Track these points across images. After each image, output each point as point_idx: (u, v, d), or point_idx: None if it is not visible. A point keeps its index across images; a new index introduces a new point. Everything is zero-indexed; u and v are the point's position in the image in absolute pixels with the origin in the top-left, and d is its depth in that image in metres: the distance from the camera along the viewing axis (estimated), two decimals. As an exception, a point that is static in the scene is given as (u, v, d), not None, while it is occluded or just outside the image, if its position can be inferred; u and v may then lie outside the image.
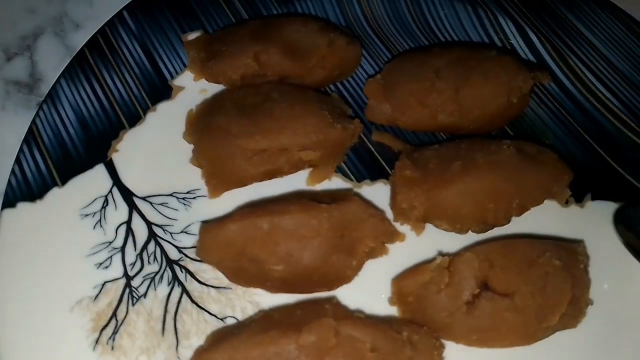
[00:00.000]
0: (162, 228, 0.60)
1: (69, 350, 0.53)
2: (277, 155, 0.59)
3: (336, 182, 0.63)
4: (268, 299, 0.56)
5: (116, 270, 0.57)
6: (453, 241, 0.59)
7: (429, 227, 0.60)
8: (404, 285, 0.54)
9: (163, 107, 0.65)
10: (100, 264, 0.57)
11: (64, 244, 0.57)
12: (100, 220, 0.59)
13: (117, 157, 0.62)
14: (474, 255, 0.53)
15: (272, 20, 0.66)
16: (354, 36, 0.68)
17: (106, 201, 0.60)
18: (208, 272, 0.58)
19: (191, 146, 0.62)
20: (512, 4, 0.70)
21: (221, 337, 0.52)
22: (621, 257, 0.58)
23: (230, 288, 0.57)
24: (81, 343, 0.53)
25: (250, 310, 0.56)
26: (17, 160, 0.60)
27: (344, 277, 0.56)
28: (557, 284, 0.53)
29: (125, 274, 0.57)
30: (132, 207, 0.60)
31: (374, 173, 0.63)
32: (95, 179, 0.61)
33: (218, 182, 0.60)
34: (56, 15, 0.77)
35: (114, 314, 0.55)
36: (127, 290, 0.56)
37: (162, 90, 0.66)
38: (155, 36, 0.68)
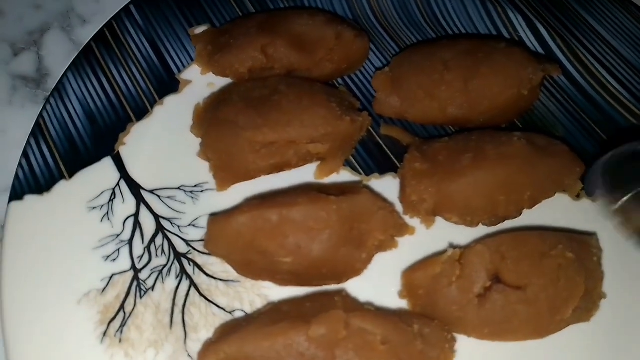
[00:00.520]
0: (169, 221, 0.59)
1: (76, 342, 0.53)
2: (285, 148, 0.58)
3: (344, 176, 0.62)
4: (277, 292, 0.56)
5: (124, 263, 0.57)
6: (463, 234, 0.58)
7: (439, 220, 0.59)
8: (415, 277, 0.53)
9: (170, 100, 0.65)
10: (108, 256, 0.57)
11: (72, 237, 0.57)
12: (107, 213, 0.58)
13: (124, 151, 0.62)
14: (486, 248, 0.53)
15: (279, 13, 0.66)
16: (362, 29, 0.67)
17: (114, 194, 0.59)
18: (216, 265, 0.57)
19: (199, 140, 0.62)
20: (521, -4, 0.70)
21: (230, 330, 0.51)
22: (634, 251, 0.57)
23: (239, 281, 0.57)
24: (89, 335, 0.53)
25: (259, 304, 0.56)
26: (25, 153, 0.60)
27: (354, 270, 0.55)
28: (570, 276, 0.52)
29: (133, 266, 0.56)
30: (140, 200, 0.60)
31: (383, 167, 0.63)
32: (103, 172, 0.60)
33: (226, 176, 0.60)
34: (63, 11, 0.77)
35: (122, 307, 0.55)
36: (135, 283, 0.56)
37: (169, 84, 0.65)
38: (162, 30, 0.68)
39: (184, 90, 0.65)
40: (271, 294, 0.56)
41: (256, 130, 0.57)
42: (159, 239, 0.58)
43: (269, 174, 0.61)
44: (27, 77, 0.73)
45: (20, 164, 0.60)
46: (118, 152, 0.61)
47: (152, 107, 0.64)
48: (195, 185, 0.61)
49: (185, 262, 0.58)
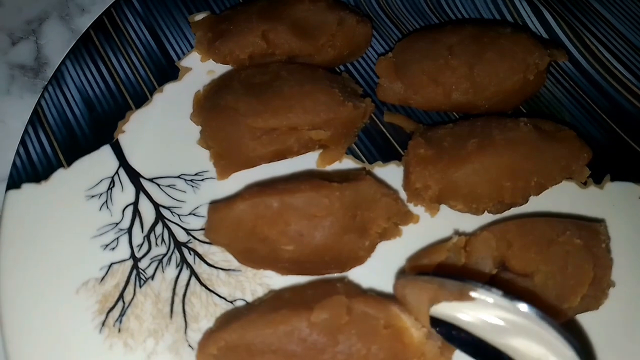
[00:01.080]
0: (169, 210, 0.58)
1: (74, 332, 0.52)
2: (287, 134, 0.57)
3: (347, 164, 0.61)
4: (279, 281, 0.55)
5: (123, 251, 0.56)
6: (469, 223, 0.57)
7: (443, 208, 0.58)
8: (419, 264, 0.52)
9: (170, 88, 0.64)
10: (107, 245, 0.56)
11: (70, 225, 0.56)
12: (106, 201, 0.58)
13: (123, 138, 0.61)
14: (492, 234, 0.52)
15: (280, -1, 0.65)
16: (364, 15, 0.66)
17: (112, 182, 0.59)
18: (217, 254, 0.56)
19: (199, 127, 0.61)
20: (526, -19, 0.69)
21: (231, 319, 0.50)
22: (642, 239, 0.57)
23: (240, 270, 0.56)
24: (87, 325, 0.52)
25: (261, 293, 0.55)
26: (22, 142, 0.59)
27: (357, 258, 0.54)
28: (578, 263, 0.51)
29: (133, 255, 0.56)
30: (139, 188, 0.59)
31: (386, 155, 0.62)
32: (102, 160, 0.59)
33: (226, 163, 0.59)
34: (62, 0, 0.76)
35: (121, 296, 0.54)
36: (134, 272, 0.55)
37: (169, 72, 0.65)
38: (161, 17, 0.67)
39: (183, 77, 0.64)
40: (273, 283, 0.55)
41: (257, 117, 0.56)
42: (158, 228, 0.57)
43: (270, 161, 0.60)
44: (25, 67, 0.72)
45: (17, 152, 0.59)
46: (117, 140, 0.61)
47: (151, 94, 0.63)
48: (196, 174, 0.60)
49: (185, 251, 0.57)
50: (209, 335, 0.49)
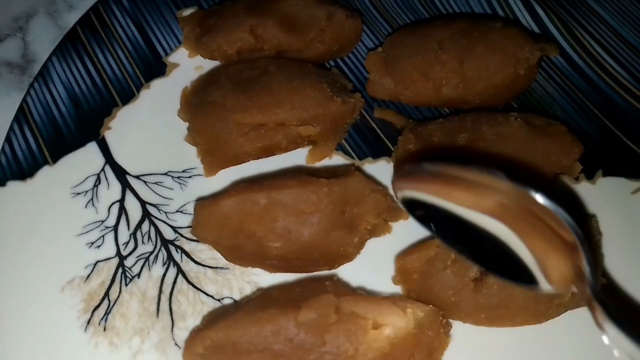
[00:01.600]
0: (156, 207, 0.57)
1: (59, 331, 0.51)
2: (275, 130, 0.57)
3: (337, 160, 0.61)
4: (267, 279, 0.54)
5: (109, 249, 0.55)
6: (459, 219, 0.57)
7: (433, 204, 0.57)
8: (408, 261, 0.52)
9: (157, 84, 0.63)
10: (92, 243, 0.55)
11: (55, 223, 0.55)
12: (92, 198, 0.57)
13: (109, 135, 0.60)
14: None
15: (269, -7, 0.64)
16: (354, 9, 0.65)
17: (98, 179, 0.58)
18: (204, 252, 0.56)
19: (186, 124, 0.60)
20: (517, -25, 0.68)
21: (217, 317, 0.50)
22: (634, 235, 0.56)
23: (228, 268, 0.55)
24: (72, 324, 0.51)
25: (249, 291, 0.54)
26: (7, 139, 0.59)
27: (346, 255, 0.54)
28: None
29: (118, 253, 0.55)
30: (126, 185, 0.58)
31: (376, 151, 0.61)
32: (88, 157, 0.59)
33: (214, 160, 0.58)
34: (49, -4, 0.75)
35: (107, 294, 0.53)
36: (120, 270, 0.54)
37: (156, 67, 0.64)
38: (149, 12, 0.67)
39: (171, 73, 0.64)
40: (261, 281, 0.54)
41: (244, 112, 0.55)
42: (145, 226, 0.57)
43: (258, 158, 0.59)
44: (12, 64, 0.71)
45: (2, 150, 0.58)
46: (103, 137, 0.60)
47: (138, 90, 0.62)
48: (183, 171, 0.59)
49: (172, 249, 0.56)
50: (196, 334, 0.49)
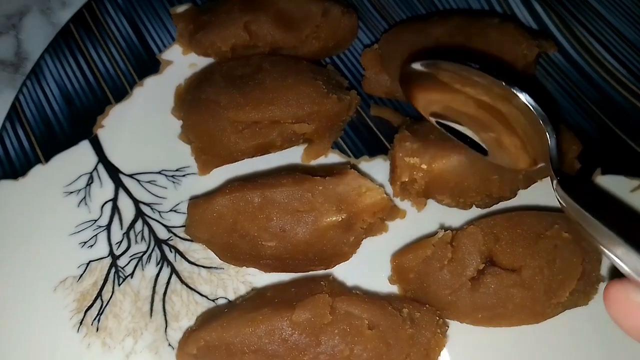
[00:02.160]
0: (150, 206, 0.57)
1: (51, 331, 0.51)
2: (269, 127, 0.56)
3: (333, 159, 0.60)
4: (262, 279, 0.54)
5: (101, 249, 0.54)
6: (456, 217, 0.56)
7: (430, 203, 0.57)
8: (405, 260, 0.51)
9: (151, 81, 0.62)
10: (85, 242, 0.54)
11: (47, 222, 0.55)
12: (85, 197, 0.56)
13: (102, 133, 0.59)
14: (478, 229, 0.50)
15: (264, -10, 0.63)
16: (349, 6, 0.65)
17: (91, 178, 0.57)
18: (199, 252, 0.55)
19: (180, 122, 0.59)
20: (515, -29, 0.67)
21: (211, 317, 0.49)
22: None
23: (222, 268, 0.54)
24: (65, 324, 0.51)
25: (243, 291, 0.53)
26: (-1, 137, 0.58)
27: (341, 254, 0.53)
28: (566, 257, 0.50)
29: (111, 253, 0.54)
30: (119, 184, 0.57)
31: (373, 149, 0.60)
32: (80, 156, 0.58)
33: (208, 158, 0.58)
34: (42, -7, 0.74)
35: (99, 294, 0.52)
36: (113, 270, 0.53)
37: (149, 65, 0.63)
38: (142, 9, 0.66)
39: (164, 71, 0.63)
40: (256, 281, 0.54)
41: (238, 110, 0.55)
42: (138, 225, 0.56)
43: (253, 156, 0.58)
44: (5, 61, 0.70)
45: (-6, 148, 0.58)
46: (96, 135, 0.59)
47: (131, 88, 0.62)
48: (177, 169, 0.59)
49: (166, 248, 0.55)
50: (189, 335, 0.48)
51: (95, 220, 0.55)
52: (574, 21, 0.66)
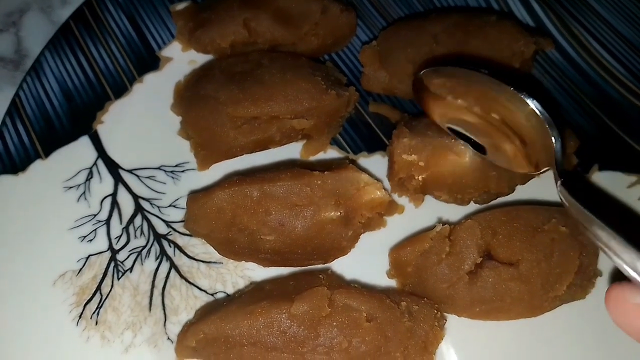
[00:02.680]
0: (149, 202, 0.57)
1: (51, 325, 0.51)
2: (268, 123, 0.56)
3: (332, 155, 0.60)
4: (260, 273, 0.54)
5: (101, 243, 0.55)
6: (454, 213, 0.57)
7: (428, 199, 0.57)
8: (402, 254, 0.51)
9: (150, 78, 0.63)
10: (85, 237, 0.55)
11: (47, 217, 0.55)
12: (84, 192, 0.57)
13: (102, 129, 0.60)
14: (476, 223, 0.51)
15: (263, -14, 0.63)
16: (348, 3, 0.65)
17: (91, 173, 0.57)
18: (198, 246, 0.55)
19: (179, 118, 0.60)
20: (512, -31, 0.68)
21: (210, 310, 0.49)
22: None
23: (221, 263, 0.55)
24: (64, 318, 0.51)
25: (242, 285, 0.54)
26: (0, 133, 0.58)
27: (340, 249, 0.53)
28: (564, 251, 0.50)
29: (111, 247, 0.54)
30: (118, 179, 0.58)
31: (371, 145, 0.61)
32: (80, 151, 0.58)
33: (207, 154, 0.58)
34: (42, -9, 0.75)
35: (99, 288, 0.53)
36: (112, 264, 0.54)
37: (149, 61, 0.64)
38: (142, 6, 0.66)
39: (164, 67, 0.63)
40: (255, 275, 0.54)
41: (237, 105, 0.55)
42: (138, 220, 0.56)
43: (252, 151, 0.59)
44: (5, 59, 0.70)
45: (-6, 143, 0.58)
46: (96, 131, 0.60)
47: (131, 84, 0.62)
48: (176, 165, 0.59)
49: (165, 243, 0.55)
50: (188, 328, 0.48)
51: (95, 215, 0.56)
52: (570, 19, 0.66)
